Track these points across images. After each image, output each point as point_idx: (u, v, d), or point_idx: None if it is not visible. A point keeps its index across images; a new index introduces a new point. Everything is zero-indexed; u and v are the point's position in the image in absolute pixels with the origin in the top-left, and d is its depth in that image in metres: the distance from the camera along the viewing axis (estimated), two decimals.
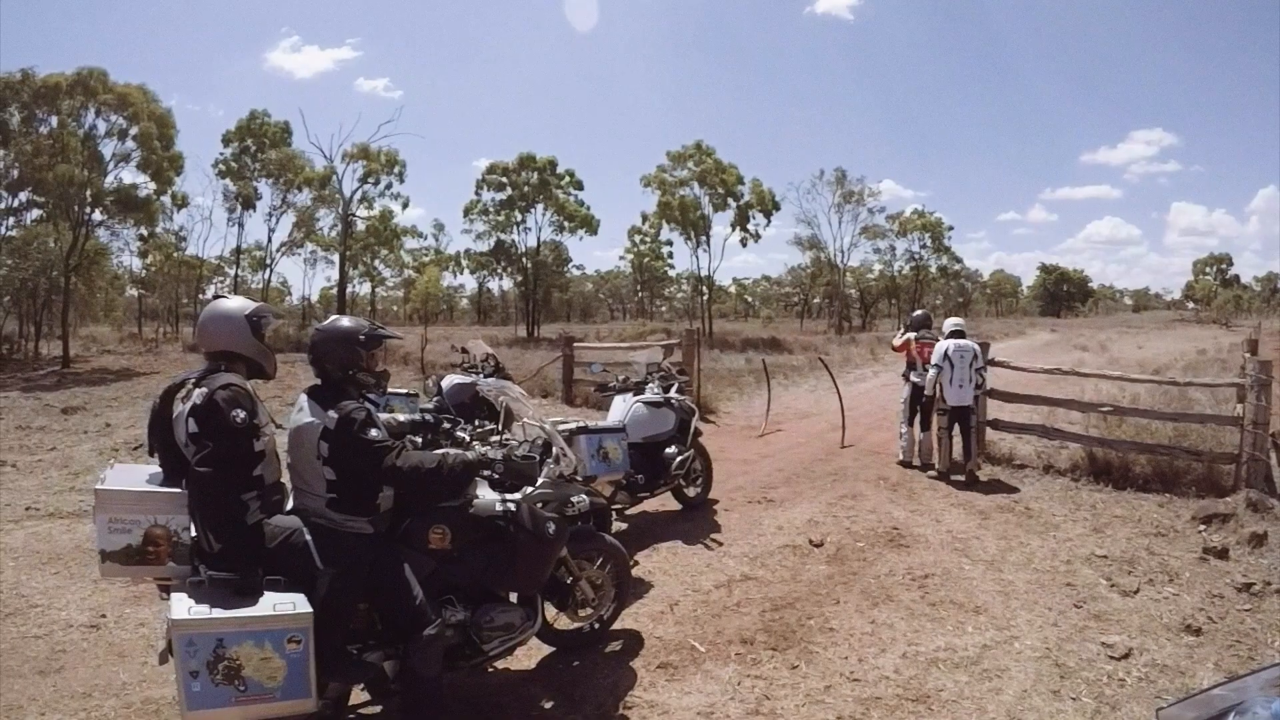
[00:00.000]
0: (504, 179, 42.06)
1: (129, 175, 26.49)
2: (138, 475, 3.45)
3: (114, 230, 28.19)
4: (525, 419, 4.54)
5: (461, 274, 53.57)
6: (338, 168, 32.41)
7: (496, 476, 3.70)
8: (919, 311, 10.05)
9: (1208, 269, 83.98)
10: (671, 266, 59.53)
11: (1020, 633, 4.88)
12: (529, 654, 4.47)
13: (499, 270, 48.07)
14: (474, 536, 3.75)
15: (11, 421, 12.37)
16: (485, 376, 8.92)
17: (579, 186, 43.27)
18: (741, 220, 40.40)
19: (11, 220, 25.60)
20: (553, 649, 4.56)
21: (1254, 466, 7.27)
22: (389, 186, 34.19)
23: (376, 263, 46.95)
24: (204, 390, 3.21)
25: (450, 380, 8.81)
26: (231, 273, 42.13)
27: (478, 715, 3.94)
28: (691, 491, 7.58)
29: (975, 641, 4.75)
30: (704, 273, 43.64)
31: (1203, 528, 6.75)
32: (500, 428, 4.54)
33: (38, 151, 23.35)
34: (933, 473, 8.79)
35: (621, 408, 7.16)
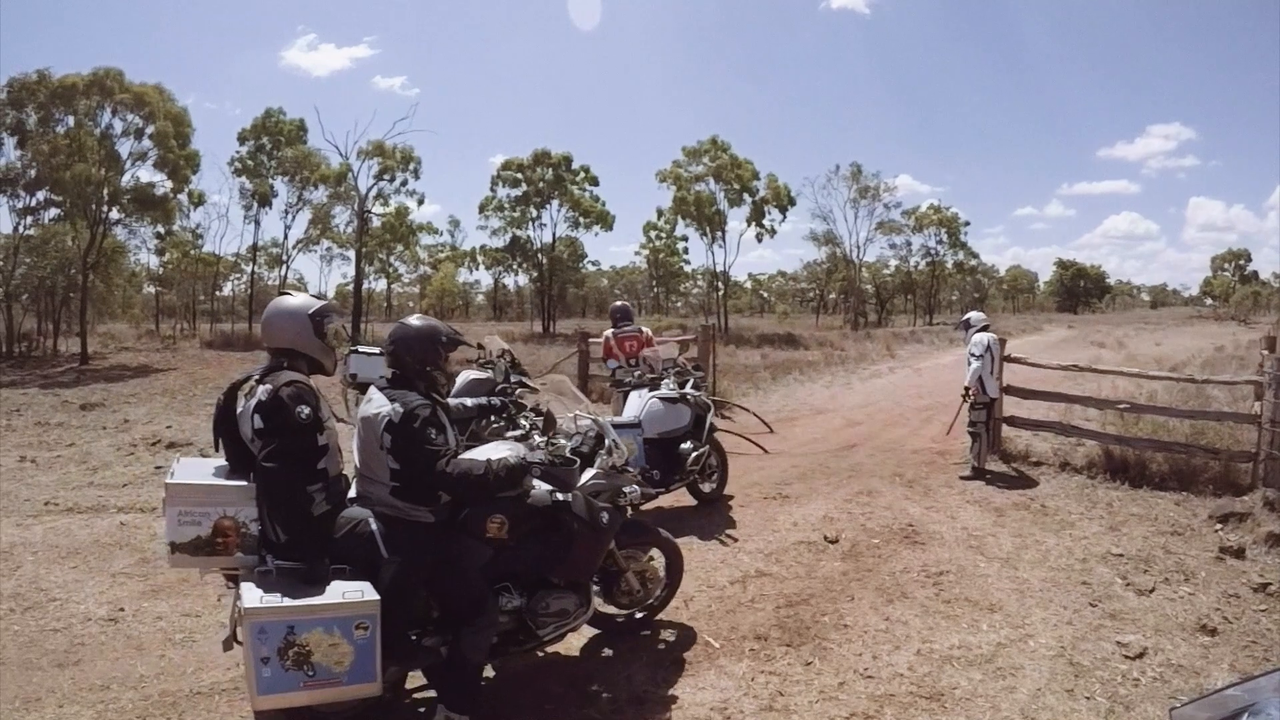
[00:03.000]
0: (519, 175, 42.05)
1: (146, 174, 26.80)
2: (205, 469, 3.57)
3: (131, 228, 28.43)
4: (576, 412, 4.65)
5: (477, 270, 53.81)
6: (353, 165, 32.46)
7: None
8: (619, 303, 9.78)
9: (1226, 265, 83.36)
10: (687, 262, 59.49)
11: (1035, 631, 4.86)
12: (575, 639, 4.55)
13: (514, 266, 48.11)
14: (530, 525, 3.85)
15: (30, 417, 12.49)
16: (501, 372, 8.95)
17: (594, 182, 43.23)
18: (757, 216, 40.26)
19: (30, 219, 25.79)
20: (598, 632, 4.69)
21: (1272, 465, 7.20)
22: (404, 183, 34.20)
23: (392, 259, 47.14)
24: (268, 387, 3.34)
25: (465, 376, 8.84)
26: (248, 269, 42.34)
27: (499, 701, 3.96)
28: (707, 487, 7.58)
29: (989, 639, 4.74)
30: (719, 268, 43.57)
31: (1219, 527, 6.70)
32: (545, 428, 4.72)
33: (55, 151, 23.50)
34: (967, 471, 8.68)
35: (637, 403, 7.16)
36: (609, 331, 8.86)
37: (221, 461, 3.60)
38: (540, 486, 3.88)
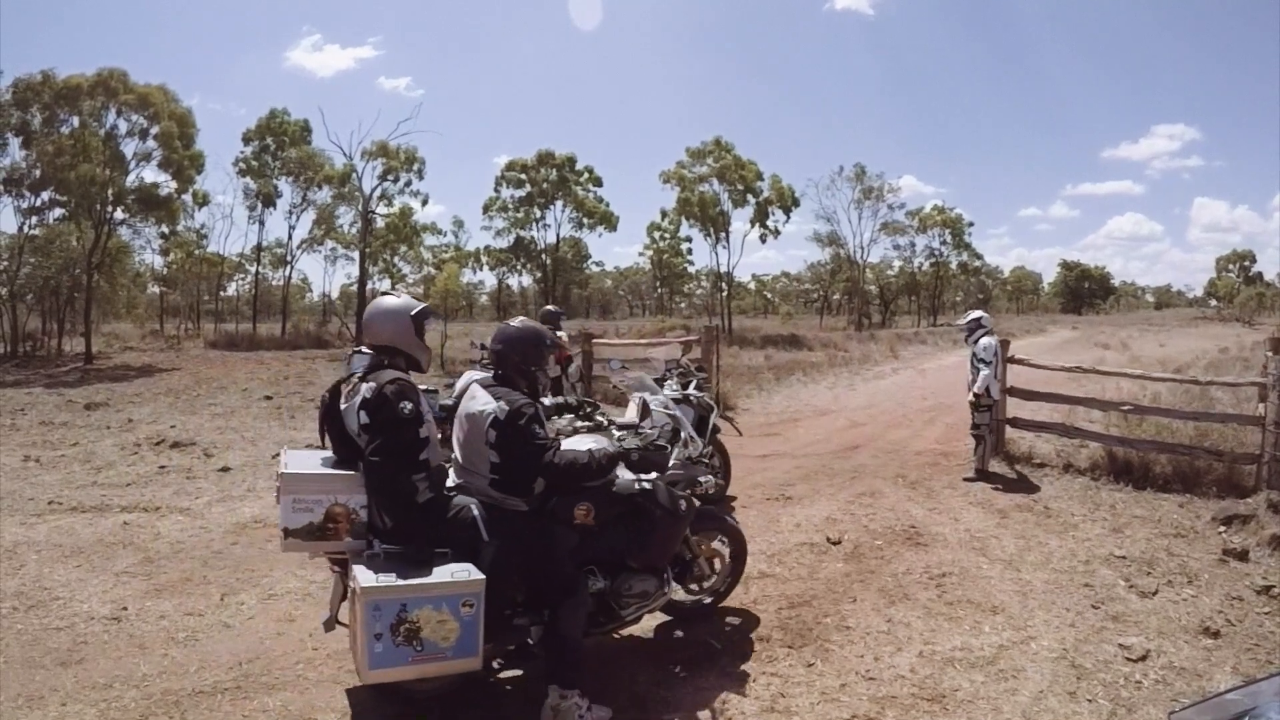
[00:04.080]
0: (523, 176, 42.07)
1: (150, 174, 26.79)
2: (312, 460, 3.82)
3: (136, 228, 28.49)
4: (655, 409, 5.03)
5: (481, 270, 53.67)
6: (357, 165, 32.50)
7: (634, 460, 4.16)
8: (550, 307, 9.88)
9: (1230, 266, 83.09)
10: (691, 263, 59.59)
11: (1037, 633, 4.85)
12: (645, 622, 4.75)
13: (518, 267, 48.12)
14: (614, 513, 4.07)
15: (35, 417, 12.51)
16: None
17: (598, 183, 43.25)
18: (761, 216, 40.23)
19: (35, 219, 25.83)
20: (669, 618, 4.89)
21: (1276, 467, 7.19)
22: (408, 184, 34.20)
23: (396, 259, 47.04)
24: (373, 385, 3.56)
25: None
26: (252, 270, 42.39)
27: (500, 703, 3.96)
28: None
29: (992, 641, 4.73)
30: (723, 269, 43.56)
31: (1223, 529, 6.69)
32: (639, 420, 5.08)
33: (59, 151, 23.55)
34: (970, 473, 8.66)
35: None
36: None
37: (328, 453, 3.87)
38: (625, 475, 4.10)
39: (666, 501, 4.15)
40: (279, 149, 34.35)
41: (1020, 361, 9.43)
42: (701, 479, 4.60)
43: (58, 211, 26.24)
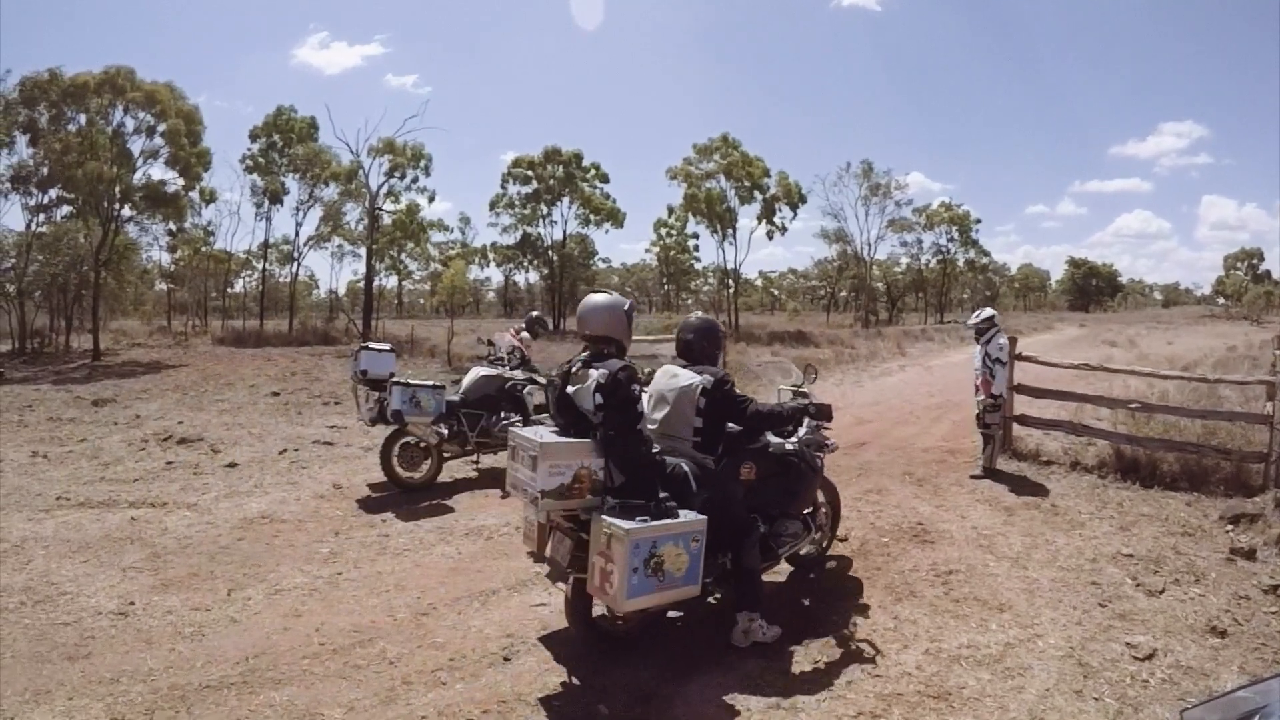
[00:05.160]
0: (530, 172, 42.16)
1: (157, 171, 26.85)
2: (547, 433, 4.40)
3: (143, 225, 28.54)
4: (781, 387, 6.18)
5: (488, 267, 53.94)
6: (364, 162, 32.52)
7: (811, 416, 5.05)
8: (535, 313, 9.99)
9: (1238, 264, 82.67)
10: (697, 259, 59.60)
11: (1044, 631, 4.84)
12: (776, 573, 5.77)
13: (525, 263, 48.27)
14: (768, 470, 5.02)
15: (43, 413, 12.57)
16: (512, 369, 8.99)
17: (604, 179, 43.32)
18: (768, 213, 40.19)
19: (42, 216, 25.95)
20: (793, 569, 5.76)
21: None
22: (415, 180, 34.17)
23: (403, 256, 47.25)
24: (605, 371, 4.26)
25: (475, 373, 8.86)
26: (259, 266, 42.48)
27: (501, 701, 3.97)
28: None
29: (998, 639, 4.72)
30: (730, 266, 43.60)
31: (1230, 528, 6.66)
32: (803, 385, 6.11)
33: (67, 149, 23.64)
34: (978, 470, 8.64)
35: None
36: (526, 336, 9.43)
37: (553, 428, 4.55)
38: (773, 439, 5.17)
39: (810, 460, 5.28)
40: (286, 146, 34.37)
41: (1028, 359, 9.40)
42: (827, 443, 5.60)
43: (65, 209, 26.37)
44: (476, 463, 8.90)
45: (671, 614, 4.83)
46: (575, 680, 4.20)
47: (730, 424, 4.82)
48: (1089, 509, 7.31)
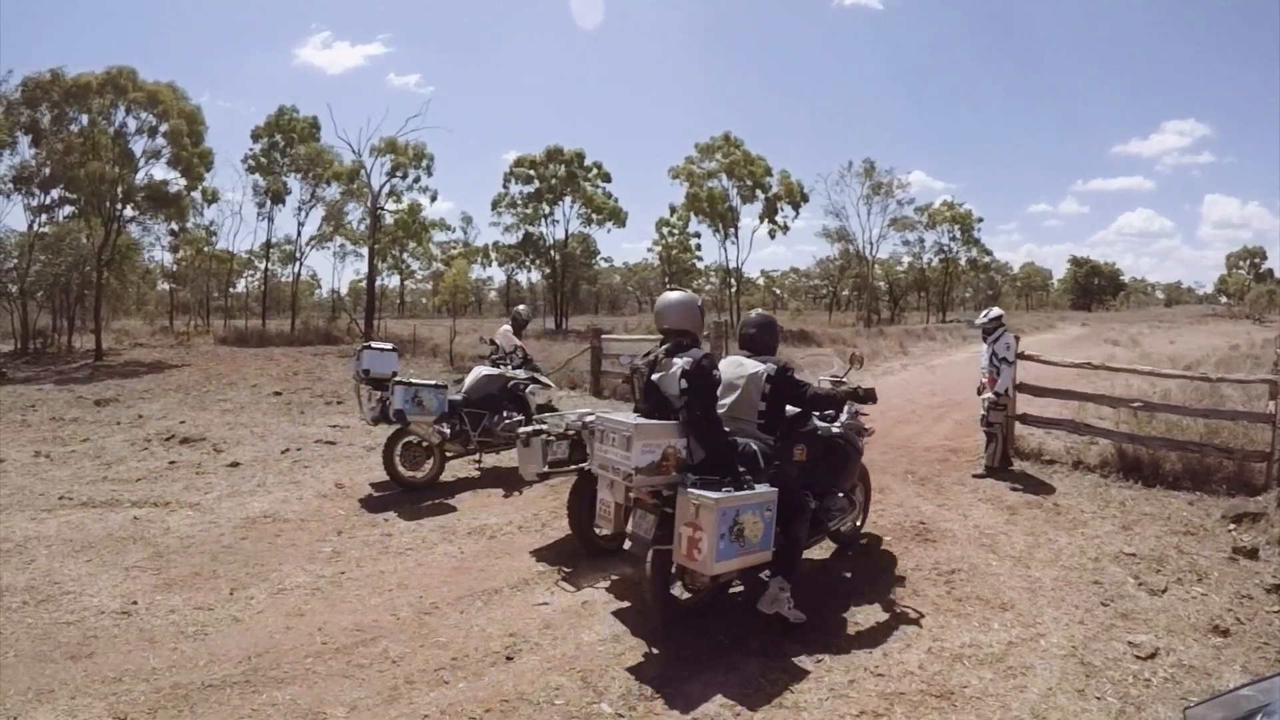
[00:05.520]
0: (532, 172, 42.15)
1: (159, 171, 26.90)
2: (636, 417, 4.88)
3: (145, 225, 28.58)
4: (820, 378, 6.44)
5: (490, 266, 53.78)
6: (366, 162, 32.55)
7: (858, 400, 5.54)
8: (520, 307, 10.03)
9: (1241, 263, 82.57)
10: (700, 259, 59.47)
11: (1046, 630, 4.84)
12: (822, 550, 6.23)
13: (527, 263, 48.17)
14: (816, 451, 5.54)
15: (45, 413, 12.59)
16: (514, 368, 9.00)
17: (607, 179, 43.29)
18: (770, 212, 40.18)
19: (44, 217, 25.95)
20: (835, 546, 6.23)
21: None
22: (417, 180, 34.19)
23: (405, 256, 47.27)
24: (690, 359, 4.72)
25: (478, 372, 8.86)
26: (261, 266, 42.52)
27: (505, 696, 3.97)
28: None
29: (1000, 638, 4.72)
30: (732, 265, 43.57)
31: (1233, 527, 6.65)
32: (844, 375, 6.41)
33: (69, 149, 23.66)
34: (980, 469, 8.63)
35: None
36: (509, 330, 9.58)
37: (631, 411, 5.24)
38: (820, 424, 5.73)
39: (853, 441, 5.91)
40: (288, 146, 34.39)
41: (1030, 358, 9.38)
42: (866, 428, 6.22)
43: (67, 209, 26.39)
44: (479, 462, 8.91)
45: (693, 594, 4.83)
46: (578, 676, 4.20)
47: (790, 407, 5.33)
48: (1091, 508, 7.31)
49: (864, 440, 6.14)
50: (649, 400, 4.93)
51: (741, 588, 5.27)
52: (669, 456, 4.63)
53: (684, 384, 4.68)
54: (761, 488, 4.62)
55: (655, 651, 4.53)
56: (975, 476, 8.42)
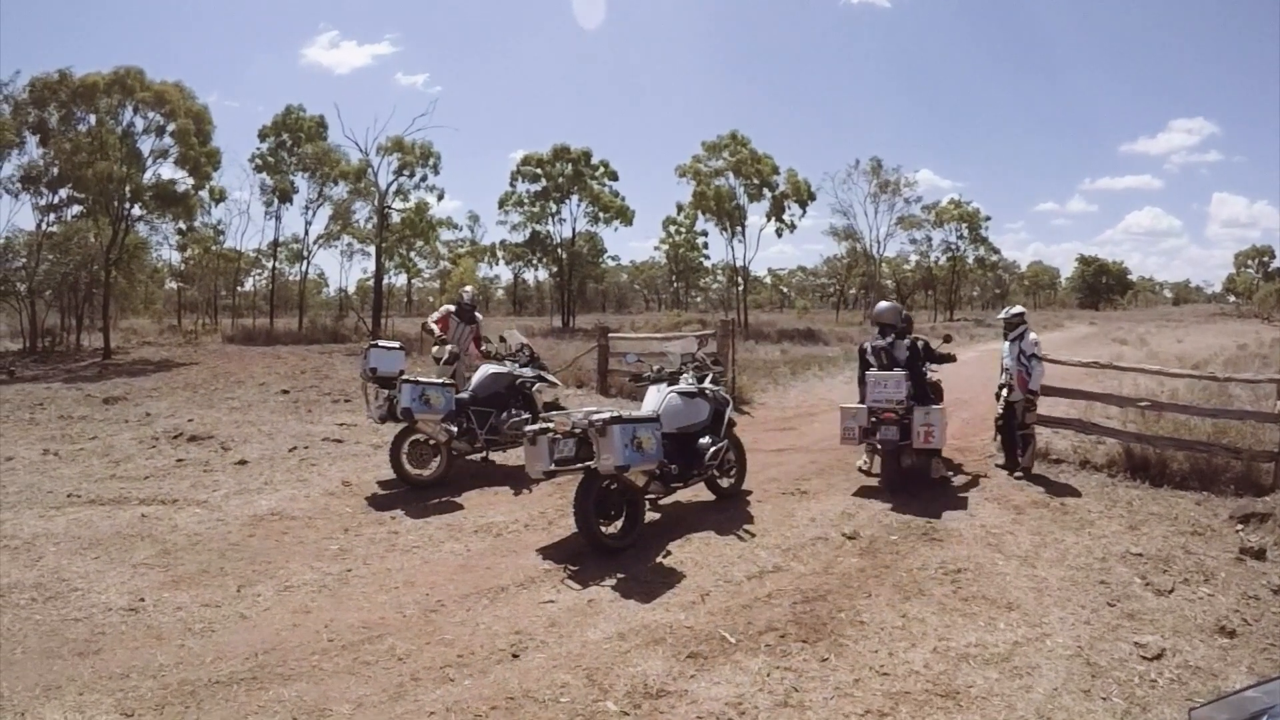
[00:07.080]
0: (539, 170, 42.08)
1: (167, 171, 26.87)
2: (897, 371, 8.02)
3: (153, 225, 28.55)
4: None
5: (497, 265, 53.93)
6: (373, 161, 32.54)
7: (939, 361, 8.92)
8: (467, 289, 10.59)
9: (1249, 262, 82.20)
10: (706, 257, 59.53)
11: (1052, 630, 4.83)
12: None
13: (534, 261, 48.17)
14: (923, 390, 8.23)
15: (54, 411, 12.63)
16: (521, 366, 9.02)
17: (614, 177, 43.20)
18: (777, 210, 40.06)
19: (52, 216, 25.98)
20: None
21: None
22: (424, 179, 34.13)
23: (412, 254, 47.23)
24: (906, 342, 8.14)
25: (485, 370, 8.88)
26: (269, 265, 42.58)
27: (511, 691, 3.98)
28: (725, 482, 7.60)
29: (1006, 638, 4.72)
30: (739, 263, 43.45)
31: (1240, 527, 6.64)
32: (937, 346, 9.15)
33: (77, 149, 23.69)
34: (1019, 472, 8.52)
35: (656, 398, 7.17)
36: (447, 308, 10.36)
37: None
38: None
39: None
40: (295, 145, 34.40)
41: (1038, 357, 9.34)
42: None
43: (75, 208, 26.38)
44: (486, 460, 8.92)
45: (702, 590, 4.83)
46: (583, 674, 4.21)
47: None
48: (1098, 508, 7.30)
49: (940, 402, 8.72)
50: (881, 362, 8.14)
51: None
52: (904, 390, 7.74)
53: (908, 353, 8.08)
54: (938, 406, 8.07)
55: (658, 650, 4.53)
56: (1016, 477, 8.36)
